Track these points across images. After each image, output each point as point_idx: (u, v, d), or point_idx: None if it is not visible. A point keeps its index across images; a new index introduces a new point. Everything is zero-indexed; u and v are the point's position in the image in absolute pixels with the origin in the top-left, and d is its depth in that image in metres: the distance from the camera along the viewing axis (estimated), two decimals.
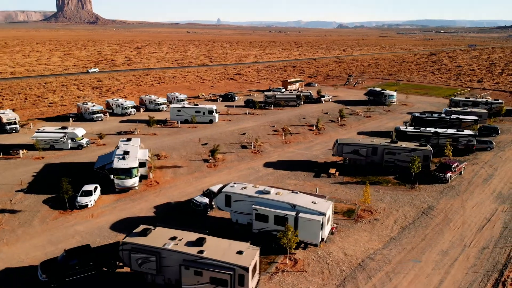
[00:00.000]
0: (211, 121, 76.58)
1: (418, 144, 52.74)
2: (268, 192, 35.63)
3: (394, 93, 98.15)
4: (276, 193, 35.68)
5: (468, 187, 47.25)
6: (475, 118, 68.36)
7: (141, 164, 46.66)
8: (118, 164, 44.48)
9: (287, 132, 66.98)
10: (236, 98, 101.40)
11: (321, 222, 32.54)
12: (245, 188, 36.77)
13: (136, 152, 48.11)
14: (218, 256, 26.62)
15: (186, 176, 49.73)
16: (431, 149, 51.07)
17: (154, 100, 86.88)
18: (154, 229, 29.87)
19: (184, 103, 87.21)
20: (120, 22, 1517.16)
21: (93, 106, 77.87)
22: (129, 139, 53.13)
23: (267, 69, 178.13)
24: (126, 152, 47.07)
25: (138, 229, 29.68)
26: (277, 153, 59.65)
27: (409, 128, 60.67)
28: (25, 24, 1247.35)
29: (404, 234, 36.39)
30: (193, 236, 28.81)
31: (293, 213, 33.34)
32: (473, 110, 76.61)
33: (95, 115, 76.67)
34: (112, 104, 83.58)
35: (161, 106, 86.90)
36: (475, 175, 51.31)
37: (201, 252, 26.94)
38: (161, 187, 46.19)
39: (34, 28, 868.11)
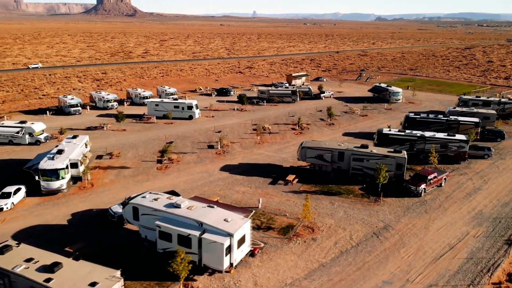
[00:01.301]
0: (190, 117, 72.13)
1: (392, 150, 45.95)
2: (178, 206, 30.71)
3: (400, 90, 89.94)
4: (187, 207, 30.67)
5: (443, 203, 40.32)
6: (476, 120, 60.13)
7: (73, 165, 42.79)
8: (44, 164, 40.80)
9: (260, 131, 61.42)
10: (232, 93, 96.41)
11: (225, 245, 27.35)
12: (155, 199, 31.96)
13: (73, 151, 44.30)
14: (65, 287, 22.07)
15: (128, 179, 45.53)
16: (405, 156, 44.22)
17: (140, 94, 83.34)
18: (17, 246, 25.71)
19: (173, 97, 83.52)
20: (157, 15, 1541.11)
21: (72, 99, 75.19)
22: (74, 136, 49.49)
23: (282, 63, 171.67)
24: (60, 151, 43.39)
25: None
26: (244, 154, 54.42)
27: (393, 131, 53.66)
28: (66, 16, 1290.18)
29: (339, 261, 30.49)
30: (54, 258, 24.40)
31: (198, 233, 28.30)
32: (480, 110, 68.02)
33: (72, 109, 74.01)
34: (95, 98, 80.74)
35: (146, 100, 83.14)
36: (458, 188, 44.11)
37: (48, 280, 22.47)
38: (94, 191, 42.20)
39: (74, 20, 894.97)
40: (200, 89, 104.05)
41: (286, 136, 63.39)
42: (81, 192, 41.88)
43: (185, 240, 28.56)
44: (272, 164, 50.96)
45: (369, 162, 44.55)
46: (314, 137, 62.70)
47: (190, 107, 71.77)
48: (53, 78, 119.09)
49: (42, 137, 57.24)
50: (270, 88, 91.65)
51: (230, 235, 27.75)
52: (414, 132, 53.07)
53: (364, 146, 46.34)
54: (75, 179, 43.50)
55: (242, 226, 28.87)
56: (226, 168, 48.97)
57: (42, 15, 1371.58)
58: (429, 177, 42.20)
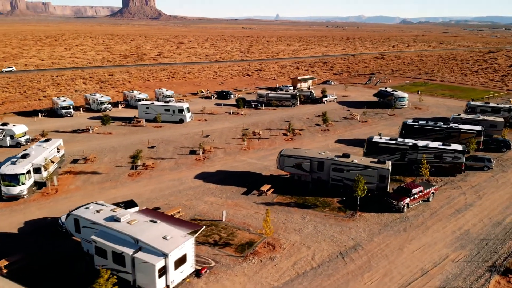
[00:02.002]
0: (181, 121, 70.01)
1: (376, 160, 42.39)
2: (118, 220, 28.31)
3: (405, 95, 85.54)
4: (128, 222, 28.22)
5: (426, 220, 36.60)
6: (478, 128, 55.67)
7: (37, 170, 41.06)
8: (4, 169, 39.28)
9: (247, 137, 58.60)
10: (232, 96, 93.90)
11: (158, 266, 24.75)
12: (98, 211, 29.66)
13: (39, 155, 42.62)
14: None
15: (95, 185, 43.51)
16: (389, 167, 40.64)
17: (135, 96, 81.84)
18: None
19: (171, 100, 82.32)
20: (181, 18, 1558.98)
21: (64, 101, 74.25)
22: (47, 140, 47.91)
23: (294, 65, 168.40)
24: (24, 156, 41.83)
25: None
26: (225, 161, 51.76)
27: (384, 139, 49.98)
28: (93, 19, 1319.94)
29: (293, 285, 27.43)
30: None
31: (131, 251, 25.81)
32: (487, 118, 63.33)
33: (64, 111, 73.02)
34: (89, 100, 79.68)
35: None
36: (447, 203, 40.21)
37: None
38: (56, 198, 40.33)
39: (99, 23, 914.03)
40: (202, 92, 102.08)
41: (275, 142, 60.41)
42: (43, 199, 40.09)
43: (119, 258, 26.16)
44: (252, 172, 48.11)
45: (349, 173, 41.18)
46: (305, 144, 59.55)
47: (180, 111, 69.67)
48: (59, 79, 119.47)
49: (23, 139, 56.13)
50: (269, 91, 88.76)
51: (164, 255, 25.13)
52: (406, 140, 49.24)
53: (346, 156, 42.98)
54: (39, 185, 41.81)
55: (182, 245, 26.21)
56: (201, 176, 46.41)
57: (69, 18, 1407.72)
58: (413, 191, 38.52)
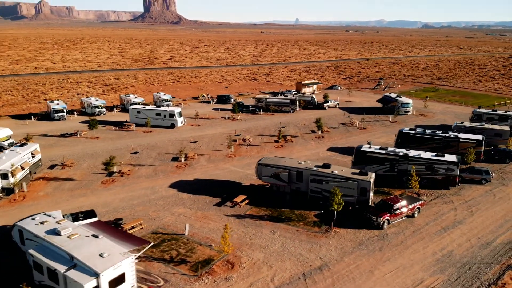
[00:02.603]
0: (173, 126, 68.32)
1: (357, 171, 39.49)
2: (58, 233, 26.44)
3: (410, 101, 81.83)
4: (68, 236, 26.30)
5: (407, 239, 33.55)
6: (479, 138, 51.99)
7: (4, 176, 39.74)
8: None
9: (232, 144, 56.34)
10: (232, 101, 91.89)
11: (87, 286, 22.64)
12: (42, 223, 27.87)
13: (8, 161, 41.31)
14: None
15: (65, 192, 41.95)
16: (370, 180, 37.72)
17: (131, 100, 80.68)
18: None
19: (168, 103, 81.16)
20: (201, 22, 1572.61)
21: (56, 104, 73.57)
22: (22, 144, 46.72)
23: (304, 70, 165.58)
24: None
25: None
26: (206, 169, 49.60)
27: (373, 148, 46.95)
28: (115, 24, 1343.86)
29: None
30: None
31: (64, 268, 23.84)
32: (491, 126, 59.44)
33: (57, 114, 72.31)
34: (84, 103, 78.90)
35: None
36: (434, 219, 37.01)
37: None
38: (22, 205, 38.89)
39: (121, 28, 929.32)
40: (203, 96, 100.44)
41: (264, 149, 57.94)
42: (8, 206, 38.69)
43: (53, 275, 24.23)
44: (232, 181, 45.78)
45: (328, 185, 38.41)
46: (296, 151, 56.97)
47: (172, 115, 68.00)
48: (65, 82, 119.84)
49: (6, 143, 55.23)
50: (267, 96, 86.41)
51: (96, 275, 23.02)
52: (396, 150, 46.11)
53: (326, 166, 40.24)
54: (7, 191, 40.47)
55: (118, 264, 24.06)
56: (177, 185, 44.34)
57: (92, 22, 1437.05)
58: (394, 207, 35.49)
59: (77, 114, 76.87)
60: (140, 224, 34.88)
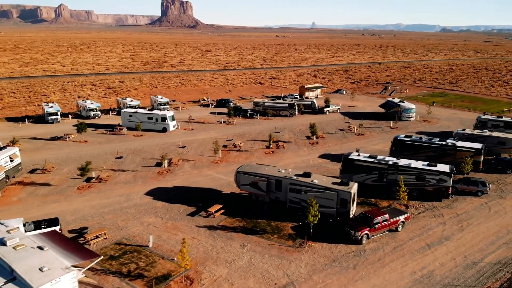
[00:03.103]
0: (164, 130, 66.91)
1: (339, 181, 37.12)
2: (4, 244, 24.95)
3: (413, 107, 78.71)
4: (14, 246, 24.78)
5: (386, 256, 31.07)
6: (477, 146, 48.93)
7: None
8: None
9: (218, 149, 54.45)
10: (231, 105, 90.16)
11: None
12: None
13: None
14: None
15: (39, 198, 40.71)
16: (351, 191, 35.32)
17: (126, 103, 79.64)
18: None
19: (166, 107, 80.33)
20: (217, 26, 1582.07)
21: (50, 107, 72.98)
22: (2, 148, 45.70)
23: (312, 73, 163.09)
24: None
25: None
26: (188, 175, 47.85)
27: (361, 156, 44.48)
28: (132, 27, 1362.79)
29: None
30: None
31: (2, 281, 22.33)
32: (495, 134, 56.20)
33: (50, 117, 71.69)
34: (80, 106, 78.23)
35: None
36: (419, 235, 34.41)
37: None
38: None
39: (138, 31, 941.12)
40: (204, 100, 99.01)
41: (254, 155, 55.94)
42: None
43: None
44: (212, 189, 43.90)
45: (307, 195, 36.17)
46: (286, 158, 54.82)
47: (164, 119, 66.58)
48: (69, 85, 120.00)
49: None
50: (265, 100, 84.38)
51: None
52: (386, 159, 43.52)
53: (306, 175, 38.02)
54: None
55: (57, 279, 22.35)
56: (154, 192, 42.67)
57: (110, 26, 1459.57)
58: (374, 220, 33.04)
59: (72, 117, 76.17)
60: (104, 234, 33.24)
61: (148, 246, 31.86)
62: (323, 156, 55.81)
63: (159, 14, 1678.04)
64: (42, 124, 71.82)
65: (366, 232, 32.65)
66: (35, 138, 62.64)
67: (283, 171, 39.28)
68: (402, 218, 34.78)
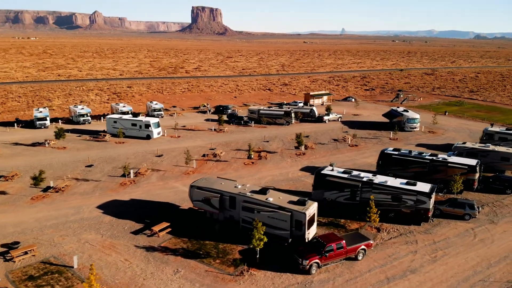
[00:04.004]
0: (148, 137, 64.48)
1: (296, 200, 33.10)
2: None
3: (417, 116, 73.12)
4: None
5: None
6: (472, 163, 43.60)
7: None
8: None
9: (189, 159, 51.21)
10: (229, 111, 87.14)
11: None
12: None
13: None
14: None
15: None
16: (306, 212, 31.28)
17: (119, 109, 77.92)
18: None
19: (160, 113, 78.64)
20: (246, 33, 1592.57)
21: (40, 112, 72.03)
22: None
23: (327, 80, 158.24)
24: None
25: None
26: (152, 187, 44.90)
27: (335, 171, 40.25)
28: (163, 34, 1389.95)
29: None
30: None
31: None
32: (497, 149, 50.45)
33: (38, 122, 70.69)
34: (71, 111, 77.10)
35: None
36: (382, 265, 29.95)
37: None
38: None
39: (168, 38, 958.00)
40: (204, 106, 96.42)
41: (231, 166, 52.47)
42: None
43: None
44: (171, 203, 40.70)
45: (260, 214, 32.40)
46: (265, 170, 51.11)
47: (147, 126, 64.15)
48: (77, 90, 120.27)
49: None
50: (261, 107, 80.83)
51: None
52: (361, 175, 39.13)
53: (262, 191, 34.22)
54: None
55: None
56: (107, 205, 39.87)
57: (143, 32, 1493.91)
58: (327, 247, 28.88)
59: (62, 123, 75.02)
60: (32, 251, 30.57)
61: (72, 267, 28.92)
62: (306, 168, 51.70)
63: (190, 21, 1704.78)
64: (30, 129, 70.87)
65: (316, 260, 28.53)
66: (16, 144, 61.45)
67: (239, 186, 35.62)
68: (362, 245, 30.41)
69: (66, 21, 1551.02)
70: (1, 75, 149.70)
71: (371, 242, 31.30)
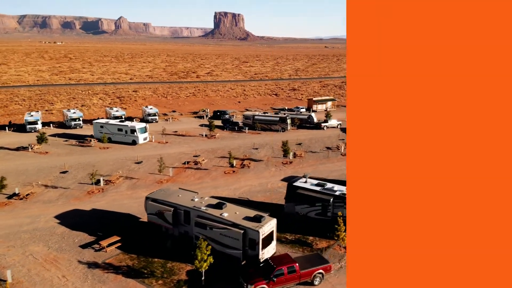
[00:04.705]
0: (134, 142, 62.71)
1: (252, 215, 30.19)
2: None
3: None
4: None
5: None
6: None
7: None
8: None
9: (163, 168, 48.86)
10: (227, 116, 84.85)
11: None
12: None
13: None
14: None
15: None
16: (260, 230, 28.34)
17: (112, 114, 76.71)
18: None
19: (154, 118, 77.17)
20: (268, 38, 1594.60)
21: (30, 116, 71.44)
22: None
23: (337, 85, 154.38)
24: None
25: None
26: (119, 196, 42.76)
27: (308, 183, 37.12)
28: (186, 39, 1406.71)
29: None
30: None
31: None
32: None
33: (28, 126, 70.04)
34: (64, 116, 76.33)
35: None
36: None
37: None
38: None
39: (190, 43, 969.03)
40: (203, 111, 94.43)
41: (210, 175, 49.92)
42: None
43: None
44: (132, 215, 38.38)
45: (212, 231, 29.68)
46: (245, 179, 48.36)
47: (133, 131, 62.40)
48: (82, 94, 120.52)
49: None
50: (256, 113, 78.17)
51: None
52: (335, 188, 35.88)
53: (218, 206, 31.44)
54: None
55: None
56: (66, 215, 37.88)
57: (166, 38, 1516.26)
58: (276, 271, 25.88)
59: (54, 127, 74.26)
60: None
61: (5, 281, 26.84)
62: (288, 179, 48.58)
63: (212, 26, 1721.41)
64: (21, 133, 70.26)
65: (263, 286, 25.56)
66: (1, 148, 60.64)
67: (196, 199, 32.95)
68: (320, 268, 27.23)
69: (92, 27, 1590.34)
70: (14, 79, 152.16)
71: (331, 265, 28.04)
